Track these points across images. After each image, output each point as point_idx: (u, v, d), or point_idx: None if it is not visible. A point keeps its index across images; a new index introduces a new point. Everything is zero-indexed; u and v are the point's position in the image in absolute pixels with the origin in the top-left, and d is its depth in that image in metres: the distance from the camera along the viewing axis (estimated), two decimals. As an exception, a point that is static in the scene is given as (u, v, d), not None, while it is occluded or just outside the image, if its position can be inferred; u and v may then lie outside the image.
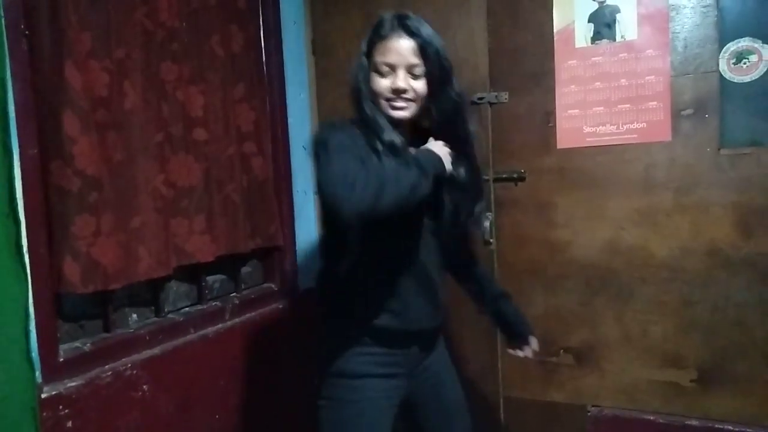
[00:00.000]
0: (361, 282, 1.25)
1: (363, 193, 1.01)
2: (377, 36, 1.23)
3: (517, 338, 1.53)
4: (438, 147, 1.24)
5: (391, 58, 1.20)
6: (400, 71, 1.20)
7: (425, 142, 1.28)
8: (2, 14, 1.18)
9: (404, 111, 1.23)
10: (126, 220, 1.46)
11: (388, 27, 1.21)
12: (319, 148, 1.13)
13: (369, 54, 1.24)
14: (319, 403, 1.30)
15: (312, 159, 1.19)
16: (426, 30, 1.22)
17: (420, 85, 1.22)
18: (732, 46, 1.65)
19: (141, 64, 1.52)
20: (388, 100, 1.22)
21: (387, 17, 1.23)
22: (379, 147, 1.19)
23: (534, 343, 1.52)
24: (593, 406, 1.89)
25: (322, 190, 1.06)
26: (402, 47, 1.19)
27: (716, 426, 1.72)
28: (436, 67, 1.21)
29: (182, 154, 1.65)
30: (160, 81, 1.58)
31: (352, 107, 1.27)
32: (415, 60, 1.20)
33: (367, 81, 1.23)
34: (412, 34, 1.20)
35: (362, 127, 1.22)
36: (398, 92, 1.21)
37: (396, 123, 1.23)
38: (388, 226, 1.12)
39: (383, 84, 1.21)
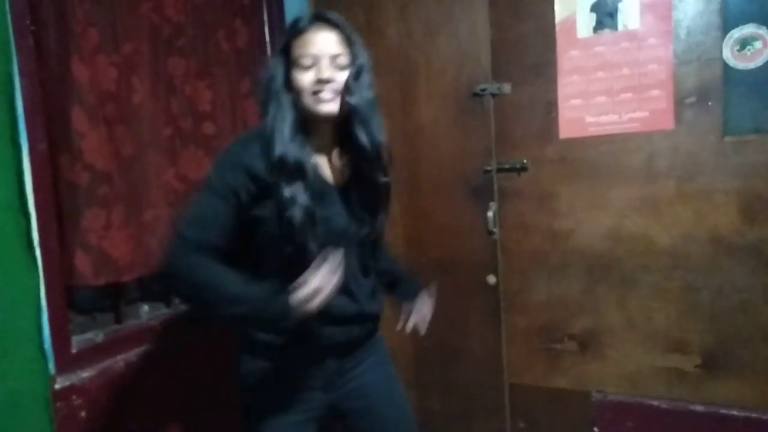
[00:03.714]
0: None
1: (175, 270, 1.05)
2: (295, 31, 1.13)
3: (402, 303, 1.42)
4: (307, 289, 1.00)
5: (314, 49, 1.10)
6: (324, 60, 1.10)
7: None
8: (8, 10, 1.19)
9: (332, 103, 1.12)
10: (138, 214, 1.48)
11: (306, 20, 1.13)
12: (204, 181, 1.11)
13: (286, 51, 1.13)
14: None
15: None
16: (350, 27, 1.15)
17: (344, 76, 1.12)
18: (736, 33, 1.64)
19: (148, 59, 1.53)
20: (314, 93, 1.10)
21: (303, 15, 1.15)
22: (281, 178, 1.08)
23: (416, 312, 1.41)
24: (597, 391, 1.90)
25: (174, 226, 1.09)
26: (325, 37, 1.11)
27: (720, 411, 1.73)
28: (361, 56, 1.14)
29: (192, 148, 1.67)
30: (168, 76, 1.60)
31: (260, 115, 1.16)
32: (338, 50, 1.12)
33: (285, 81, 1.13)
34: (334, 25, 1.13)
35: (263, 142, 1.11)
36: (324, 82, 1.10)
37: (320, 124, 1.15)
38: (290, 237, 1.08)
39: (307, 77, 1.10)
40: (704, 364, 1.75)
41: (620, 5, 1.76)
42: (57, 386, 1.28)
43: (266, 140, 1.10)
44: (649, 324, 1.81)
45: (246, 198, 1.09)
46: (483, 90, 1.95)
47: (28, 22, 1.24)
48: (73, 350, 1.36)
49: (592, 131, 1.84)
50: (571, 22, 1.83)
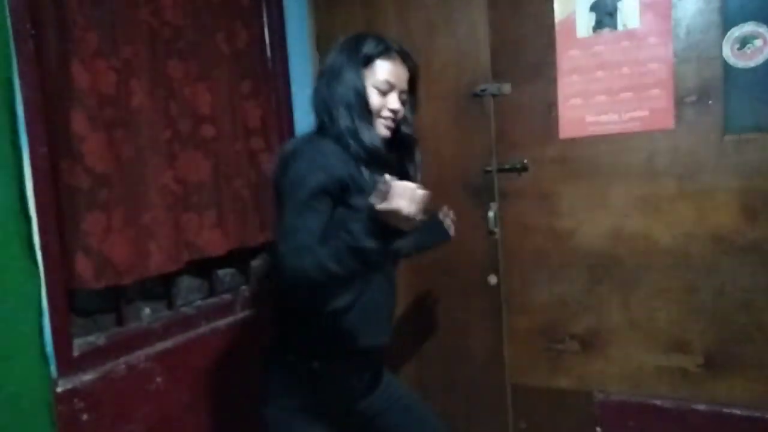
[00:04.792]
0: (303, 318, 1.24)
1: (303, 275, 1.02)
2: (384, 54, 1.24)
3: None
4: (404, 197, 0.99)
5: (393, 79, 1.24)
6: (394, 93, 1.25)
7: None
8: (8, 15, 1.19)
9: (389, 131, 1.27)
10: (136, 217, 1.49)
11: (386, 46, 1.24)
12: (294, 187, 1.10)
13: (363, 71, 1.23)
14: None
15: (281, 183, 1.14)
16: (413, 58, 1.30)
17: (403, 110, 1.28)
18: (736, 31, 1.64)
19: (147, 63, 1.54)
20: (381, 117, 1.24)
21: (375, 38, 1.25)
22: (363, 172, 1.18)
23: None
24: (600, 391, 1.90)
25: (279, 241, 1.07)
26: (401, 72, 1.26)
27: (723, 410, 1.73)
28: (414, 97, 1.32)
29: (191, 151, 1.67)
30: (167, 79, 1.60)
31: (332, 114, 1.21)
32: (405, 87, 1.28)
33: (362, 94, 1.21)
34: (412, 65, 1.28)
35: (339, 140, 1.19)
36: (392, 112, 1.25)
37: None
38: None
39: (379, 101, 1.23)
40: (706, 363, 1.75)
41: (620, 4, 1.76)
42: (59, 389, 1.28)
43: (341, 138, 1.19)
44: (650, 323, 1.81)
45: (336, 194, 1.14)
46: (483, 90, 1.95)
47: (28, 26, 1.25)
48: (75, 353, 1.36)
49: (593, 131, 1.83)
50: (570, 22, 1.83)
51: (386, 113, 1.24)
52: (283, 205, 1.13)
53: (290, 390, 1.24)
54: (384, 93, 1.24)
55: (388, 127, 1.26)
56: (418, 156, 1.35)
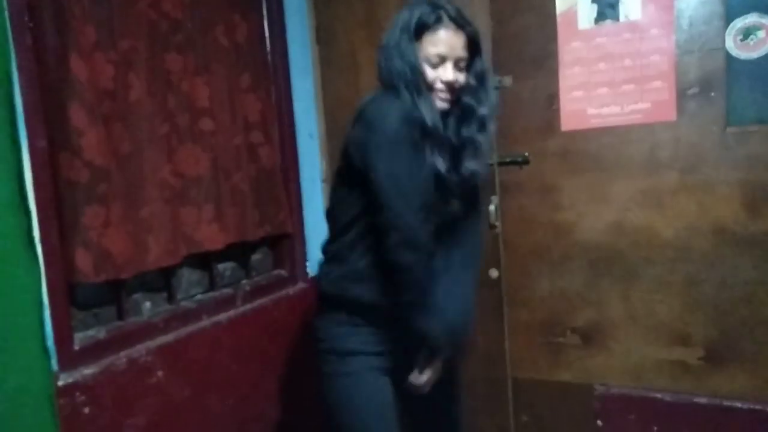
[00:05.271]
0: (362, 253, 1.28)
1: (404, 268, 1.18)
2: (429, 26, 1.21)
3: None
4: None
5: (444, 50, 1.21)
6: (449, 63, 1.22)
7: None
8: (6, 7, 1.18)
9: (446, 103, 1.26)
10: (135, 211, 1.48)
11: (437, 16, 1.21)
12: (378, 154, 1.17)
13: (416, 41, 1.22)
14: (321, 377, 1.35)
15: (368, 146, 1.19)
16: (470, 21, 1.25)
17: (463, 78, 1.25)
18: (739, 23, 1.63)
19: (146, 56, 1.53)
20: (439, 90, 1.24)
21: (431, 5, 1.22)
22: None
23: None
24: (600, 385, 1.90)
25: (391, 213, 1.16)
26: (455, 40, 1.22)
27: (724, 403, 1.73)
28: (479, 60, 1.27)
29: (189, 145, 1.66)
30: (165, 72, 1.60)
31: (397, 85, 1.22)
32: (464, 53, 1.24)
33: (417, 69, 1.21)
34: (463, 26, 1.23)
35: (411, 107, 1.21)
36: (449, 85, 1.23)
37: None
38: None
39: (432, 74, 1.23)
40: (707, 356, 1.75)
41: (621, -4, 1.75)
42: (60, 383, 1.28)
43: (407, 107, 1.20)
44: (652, 317, 1.80)
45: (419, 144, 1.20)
46: (484, 83, 1.94)
47: (26, 19, 1.24)
48: (76, 347, 1.36)
49: (594, 123, 1.82)
50: (572, 14, 1.82)
51: (440, 85, 1.23)
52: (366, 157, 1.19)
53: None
54: (436, 65, 1.22)
55: (445, 99, 1.25)
56: (488, 126, 1.29)
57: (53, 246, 1.28)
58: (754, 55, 1.62)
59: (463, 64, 1.25)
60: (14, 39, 1.20)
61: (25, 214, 1.21)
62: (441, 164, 1.22)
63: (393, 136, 1.16)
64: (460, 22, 1.22)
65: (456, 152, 1.28)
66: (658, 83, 1.73)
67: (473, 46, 1.26)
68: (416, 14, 1.23)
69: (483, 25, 1.92)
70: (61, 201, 1.32)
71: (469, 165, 1.28)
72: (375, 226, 1.22)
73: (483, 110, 1.27)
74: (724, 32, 1.64)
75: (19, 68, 1.21)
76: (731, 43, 1.64)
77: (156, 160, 1.55)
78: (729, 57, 1.65)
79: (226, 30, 1.81)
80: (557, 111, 1.87)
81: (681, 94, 1.71)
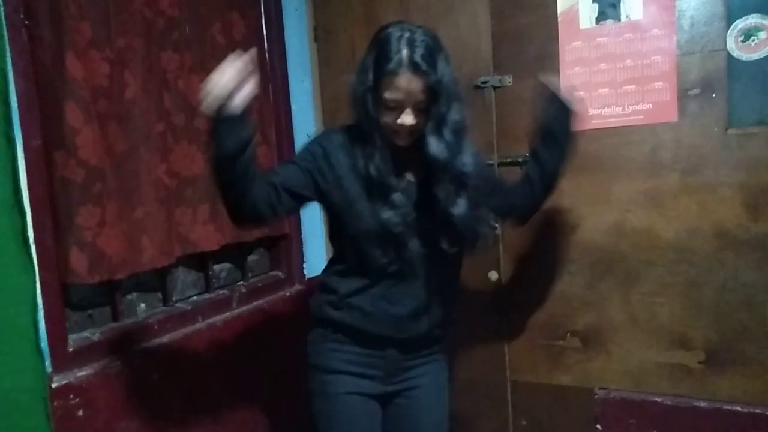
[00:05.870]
0: (344, 281, 1.31)
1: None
2: (385, 72, 1.17)
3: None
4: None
5: (400, 96, 1.18)
6: (407, 108, 1.19)
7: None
8: (1, 4, 1.17)
9: (407, 141, 1.25)
10: (129, 211, 1.47)
11: (396, 63, 1.16)
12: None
13: (375, 84, 1.20)
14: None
15: None
16: (439, 66, 1.18)
17: (424, 118, 1.22)
18: (740, 23, 1.62)
19: (141, 54, 1.51)
20: (394, 131, 1.23)
21: (395, 45, 1.17)
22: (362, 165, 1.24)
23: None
24: (600, 388, 1.89)
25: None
26: (413, 85, 1.17)
27: (725, 407, 1.71)
28: (443, 102, 1.20)
29: (185, 144, 1.65)
30: (161, 70, 1.58)
31: (355, 117, 1.27)
32: (423, 97, 1.19)
33: (374, 109, 1.22)
34: (423, 73, 1.16)
35: (355, 139, 1.27)
36: (406, 129, 1.21)
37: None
38: (368, 238, 1.23)
39: (390, 117, 1.21)
40: (708, 359, 1.73)
41: (623, -5, 1.74)
42: (54, 385, 1.27)
43: (352, 137, 1.27)
44: (652, 320, 1.79)
45: (317, 174, 1.27)
46: (484, 83, 1.92)
47: (21, 16, 1.23)
48: (70, 348, 1.35)
49: (595, 124, 1.81)
50: (573, 13, 1.81)
51: (397, 128, 1.22)
52: None
53: (324, 345, 1.35)
54: (392, 109, 1.20)
55: (404, 139, 1.24)
56: (448, 179, 1.23)
57: (47, 246, 1.27)
58: (756, 56, 1.61)
59: (423, 106, 1.20)
60: (9, 37, 1.19)
61: (19, 213, 1.20)
62: (385, 212, 1.22)
63: (311, 140, 1.33)
64: (420, 70, 1.16)
65: (428, 195, 1.26)
66: (659, 84, 1.72)
67: (433, 93, 1.19)
68: (374, 59, 1.20)
69: (483, 23, 1.91)
70: (55, 201, 1.31)
71: (450, 205, 1.24)
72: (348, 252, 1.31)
73: (438, 154, 1.21)
74: (726, 33, 1.63)
75: (14, 66, 1.20)
76: (732, 44, 1.63)
77: (151, 159, 1.53)
78: (730, 58, 1.63)
79: (222, 28, 1.80)
80: (558, 111, 1.85)
81: (682, 95, 1.70)
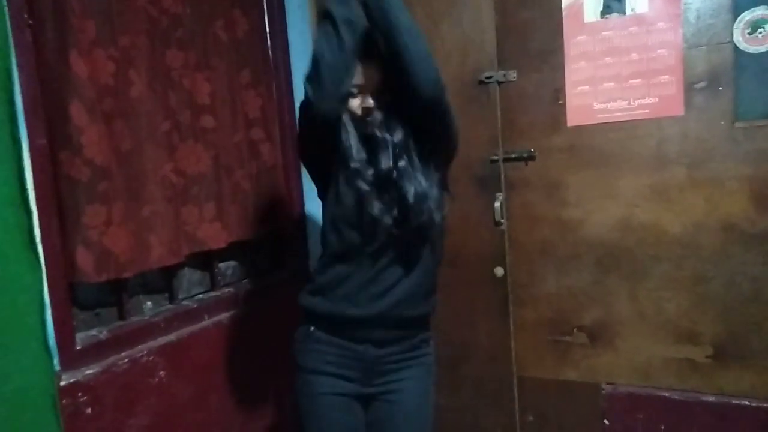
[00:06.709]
0: (324, 269, 1.33)
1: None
2: None
3: None
4: None
5: (358, 81, 1.24)
6: (366, 95, 1.25)
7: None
8: (5, 4, 1.17)
9: (376, 113, 1.27)
10: (136, 209, 1.47)
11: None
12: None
13: None
14: None
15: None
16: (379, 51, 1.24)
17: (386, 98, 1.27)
18: (747, 16, 1.61)
19: (146, 52, 1.51)
20: (360, 114, 1.27)
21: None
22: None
23: None
24: (608, 383, 1.88)
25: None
26: (369, 73, 1.24)
27: (732, 402, 1.71)
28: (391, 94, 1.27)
29: (190, 142, 1.65)
30: (165, 68, 1.58)
31: None
32: (376, 86, 1.26)
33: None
34: (375, 62, 1.24)
35: None
36: (368, 111, 1.26)
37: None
38: (345, 219, 1.26)
39: (354, 102, 1.26)
40: (715, 354, 1.73)
41: (628, -11, 1.73)
42: (62, 383, 1.27)
43: None
44: (659, 314, 1.79)
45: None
46: (488, 78, 1.92)
47: (25, 16, 1.22)
48: (78, 347, 1.35)
49: (601, 118, 1.80)
50: (578, 7, 1.80)
51: (362, 112, 1.26)
52: None
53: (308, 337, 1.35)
54: (354, 95, 1.25)
55: (370, 119, 1.27)
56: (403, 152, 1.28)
57: (54, 245, 1.27)
58: (762, 48, 1.60)
59: (376, 95, 1.26)
60: (14, 36, 1.19)
61: (25, 213, 1.20)
62: (362, 183, 1.25)
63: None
64: (367, 58, 1.23)
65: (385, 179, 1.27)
66: (665, 77, 1.71)
67: (389, 80, 1.25)
68: None
69: (487, 18, 1.90)
70: (61, 200, 1.31)
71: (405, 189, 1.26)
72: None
73: (392, 138, 1.27)
74: (732, 25, 1.62)
75: (19, 66, 1.20)
76: (739, 37, 1.62)
77: (157, 157, 1.53)
78: (737, 51, 1.62)
79: (226, 25, 1.79)
80: (563, 106, 1.85)
81: (688, 89, 1.69)
